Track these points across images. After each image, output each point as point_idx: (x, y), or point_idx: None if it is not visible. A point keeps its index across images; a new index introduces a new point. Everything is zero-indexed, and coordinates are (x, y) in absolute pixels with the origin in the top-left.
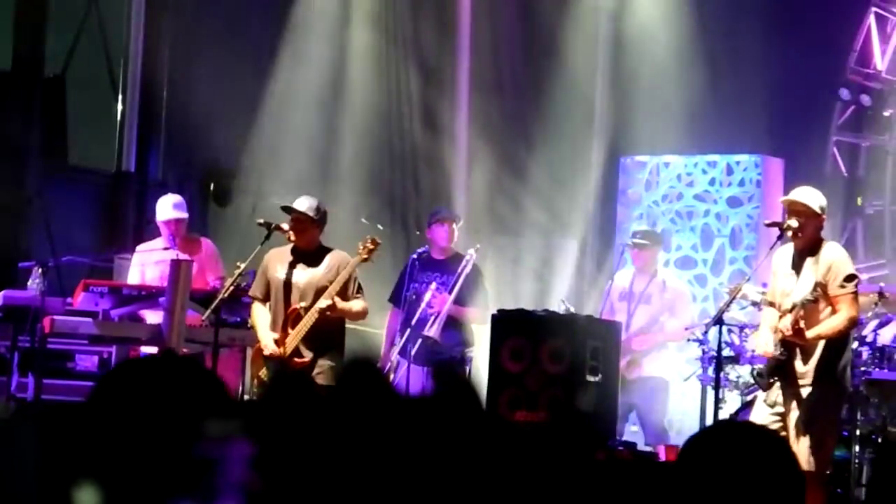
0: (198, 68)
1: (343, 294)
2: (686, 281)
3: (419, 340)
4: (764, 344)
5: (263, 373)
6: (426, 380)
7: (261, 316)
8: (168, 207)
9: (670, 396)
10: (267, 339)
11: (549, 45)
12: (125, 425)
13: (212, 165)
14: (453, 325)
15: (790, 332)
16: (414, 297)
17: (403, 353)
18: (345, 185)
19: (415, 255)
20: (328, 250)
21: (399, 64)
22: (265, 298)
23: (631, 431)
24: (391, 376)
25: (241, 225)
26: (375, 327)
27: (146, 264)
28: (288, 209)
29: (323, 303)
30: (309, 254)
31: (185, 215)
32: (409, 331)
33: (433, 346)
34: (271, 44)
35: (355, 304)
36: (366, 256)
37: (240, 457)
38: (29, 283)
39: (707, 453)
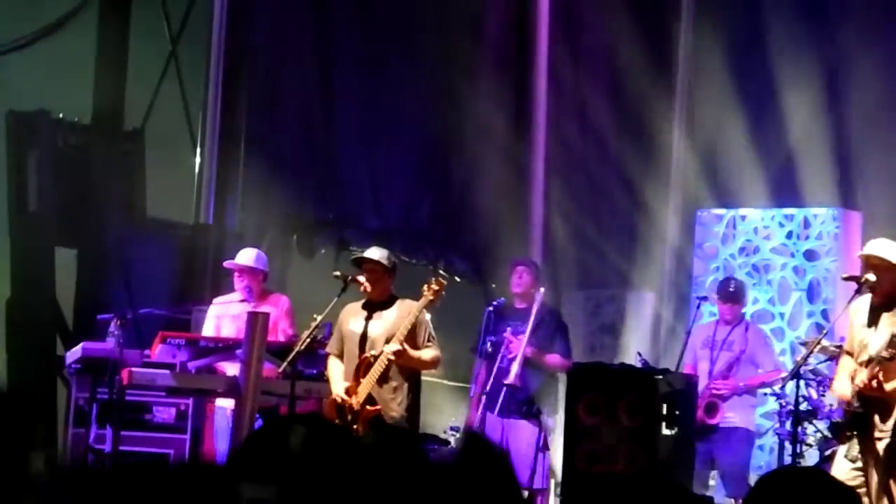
0: (276, 119)
1: (413, 341)
2: None
3: (503, 391)
4: (842, 388)
5: (337, 423)
6: (507, 431)
7: (335, 368)
8: (242, 255)
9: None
10: (338, 389)
11: (625, 98)
12: None
13: (295, 216)
14: (533, 370)
15: (868, 387)
16: (491, 349)
17: (490, 406)
18: (425, 236)
19: (490, 307)
20: (398, 299)
21: (475, 113)
22: (340, 354)
23: (710, 485)
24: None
25: (326, 276)
26: (457, 380)
27: (222, 317)
28: (360, 260)
29: (391, 347)
30: (381, 304)
31: (257, 267)
32: (490, 383)
33: (515, 392)
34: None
35: (425, 353)
36: (432, 297)
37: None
38: (108, 335)
39: (775, 498)
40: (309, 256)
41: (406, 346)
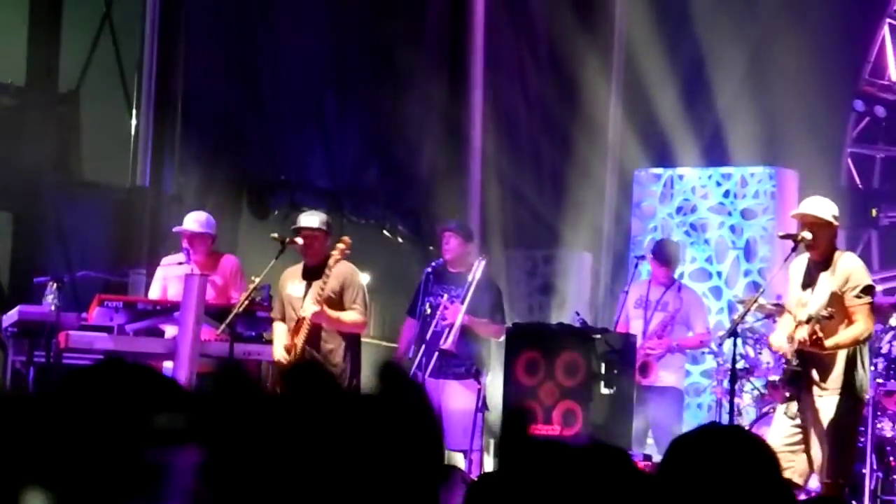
0: (216, 80)
1: (339, 303)
2: (700, 293)
3: (435, 354)
4: (778, 340)
5: (277, 385)
6: (442, 394)
7: (277, 333)
8: (187, 219)
9: (685, 407)
10: (277, 350)
11: (562, 61)
12: (73, 429)
13: (243, 178)
14: (469, 337)
15: (808, 343)
16: (429, 310)
17: (420, 367)
18: (370, 197)
19: (429, 269)
20: (336, 262)
21: (418, 80)
22: (283, 318)
23: (648, 444)
24: None
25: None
26: (396, 341)
27: (169, 278)
28: (297, 228)
29: (309, 308)
30: (318, 268)
31: (200, 230)
32: (423, 345)
33: (450, 357)
34: (290, 54)
35: (346, 315)
36: (339, 257)
37: (188, 463)
38: (44, 299)
39: (690, 458)
40: (262, 218)
41: (324, 307)
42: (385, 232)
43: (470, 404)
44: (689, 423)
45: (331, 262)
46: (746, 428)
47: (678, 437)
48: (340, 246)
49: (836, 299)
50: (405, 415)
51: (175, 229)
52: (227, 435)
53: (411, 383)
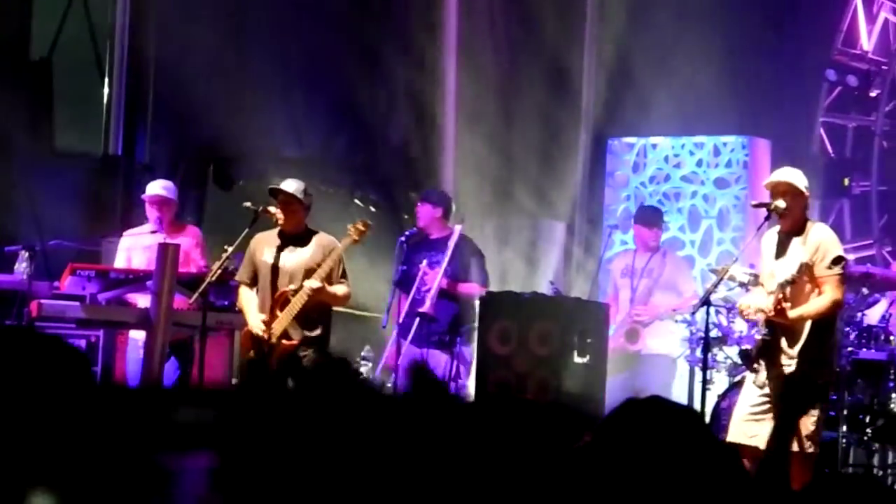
0: (186, 49)
1: (328, 278)
2: None
3: (416, 320)
4: (746, 302)
5: (252, 354)
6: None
7: (249, 299)
8: (154, 186)
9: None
10: (255, 321)
11: (535, 29)
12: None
13: (210, 148)
14: (449, 300)
15: (772, 312)
16: (403, 279)
17: (402, 334)
18: (342, 167)
19: (403, 238)
20: (314, 233)
21: (388, 49)
22: (252, 283)
23: None
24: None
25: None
26: (372, 310)
27: (133, 249)
28: (275, 191)
29: (312, 283)
30: (296, 237)
31: (170, 196)
32: (404, 313)
33: (430, 322)
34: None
35: (339, 289)
36: (356, 238)
37: (199, 469)
38: (16, 267)
39: (621, 431)
40: (227, 188)
41: (325, 284)
42: (356, 201)
43: (445, 372)
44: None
45: (345, 241)
46: (718, 396)
47: (604, 417)
48: (361, 228)
49: (807, 269)
50: (433, 418)
51: (144, 196)
52: (245, 439)
53: (439, 385)
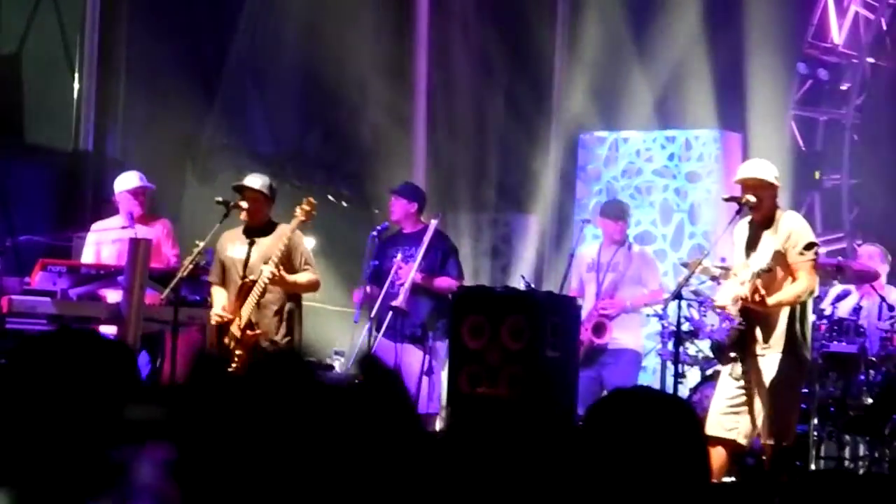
0: (158, 43)
1: (290, 265)
2: None
3: (389, 314)
4: (722, 298)
5: (219, 349)
6: (398, 355)
7: (218, 296)
8: (132, 177)
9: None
10: (216, 308)
11: (507, 25)
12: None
13: (186, 142)
14: (422, 295)
15: (750, 299)
16: (374, 273)
17: (376, 329)
18: (314, 162)
19: (374, 232)
20: (277, 225)
21: (360, 46)
22: (222, 282)
23: None
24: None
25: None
26: (341, 305)
27: (102, 243)
28: (240, 188)
29: (266, 270)
30: (260, 230)
31: (150, 185)
32: (378, 307)
33: (403, 316)
34: (234, 18)
35: (301, 277)
36: (303, 218)
37: (155, 461)
38: None
39: (609, 420)
40: (206, 182)
41: (281, 270)
42: (329, 196)
43: (418, 367)
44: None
45: (293, 222)
46: (690, 390)
47: (592, 404)
48: (306, 207)
49: (780, 257)
50: (382, 406)
51: (125, 189)
52: (201, 431)
53: (389, 374)
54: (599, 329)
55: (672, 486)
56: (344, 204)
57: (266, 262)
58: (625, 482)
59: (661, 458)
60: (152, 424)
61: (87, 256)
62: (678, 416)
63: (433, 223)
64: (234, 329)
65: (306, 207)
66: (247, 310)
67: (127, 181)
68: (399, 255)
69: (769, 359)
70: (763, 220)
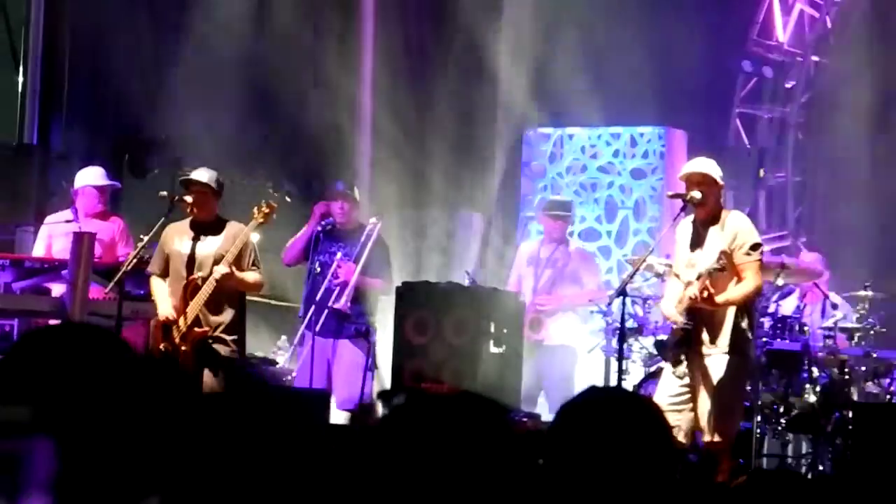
0: (102, 38)
1: (238, 264)
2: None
3: (325, 313)
4: (669, 309)
5: (164, 346)
6: (332, 353)
7: (160, 289)
8: (100, 173)
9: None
10: (165, 308)
11: (452, 20)
12: None
13: (125, 136)
14: (359, 295)
15: (699, 299)
16: (318, 269)
17: (310, 326)
18: (257, 157)
19: (319, 228)
20: (226, 222)
21: (304, 37)
22: (164, 274)
23: (539, 402)
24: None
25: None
26: (289, 300)
27: (54, 236)
28: (188, 181)
29: (220, 269)
30: (208, 226)
31: (118, 184)
32: (313, 304)
33: (343, 318)
34: (179, 12)
35: (249, 276)
36: (262, 220)
37: (45, 453)
38: None
39: (579, 421)
40: (141, 176)
41: (233, 269)
42: (272, 192)
43: (360, 363)
44: (578, 382)
45: (252, 224)
46: (633, 387)
47: (565, 402)
48: (265, 210)
49: (726, 257)
50: (249, 411)
51: (90, 184)
52: (80, 424)
53: (256, 379)
54: (536, 325)
55: (644, 486)
56: (287, 199)
57: (216, 260)
58: (596, 482)
59: (633, 458)
60: (29, 422)
61: (39, 249)
62: (651, 417)
63: (375, 225)
64: (182, 325)
65: (266, 210)
66: (195, 307)
67: (93, 176)
68: (339, 253)
69: (715, 359)
70: (707, 217)
